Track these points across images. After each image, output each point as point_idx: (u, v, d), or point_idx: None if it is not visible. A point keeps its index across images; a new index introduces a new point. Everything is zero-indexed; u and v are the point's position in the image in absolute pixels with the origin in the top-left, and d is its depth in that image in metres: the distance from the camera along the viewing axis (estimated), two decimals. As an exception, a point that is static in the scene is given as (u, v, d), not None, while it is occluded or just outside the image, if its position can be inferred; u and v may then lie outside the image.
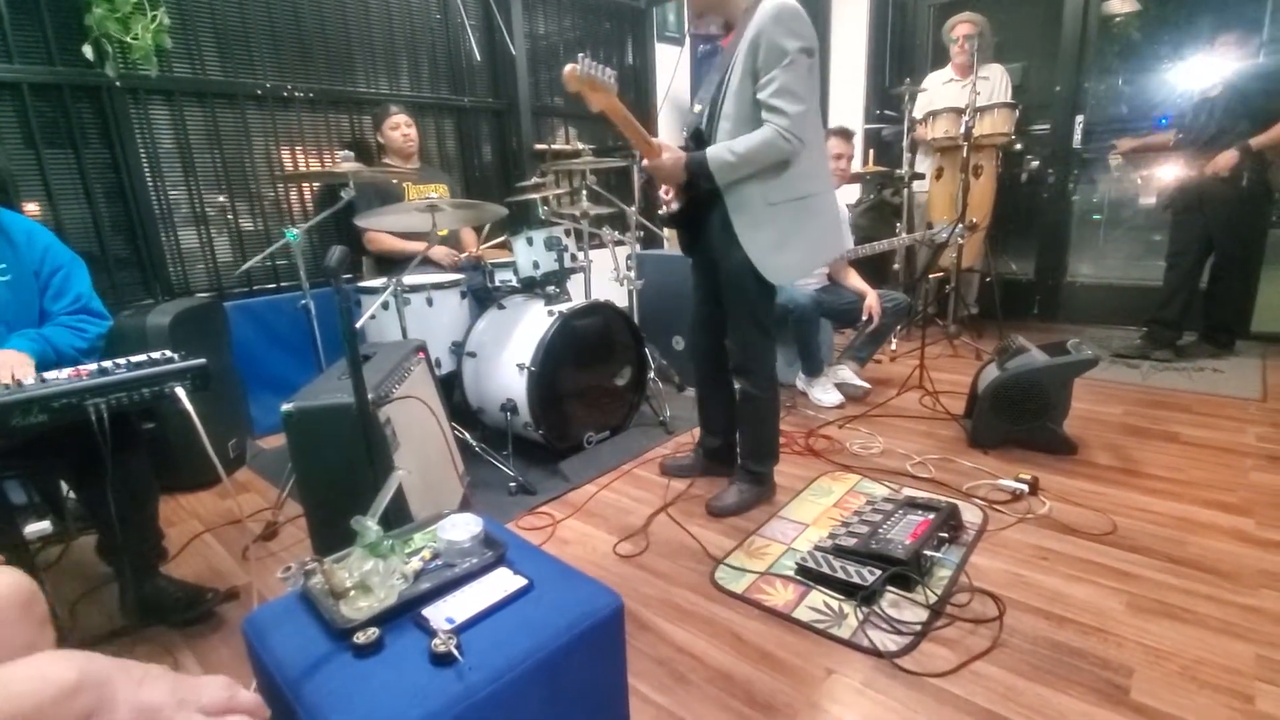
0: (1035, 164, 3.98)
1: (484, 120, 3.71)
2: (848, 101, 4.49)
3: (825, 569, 1.60)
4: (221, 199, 2.80)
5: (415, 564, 1.00)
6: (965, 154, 3.13)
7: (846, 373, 2.94)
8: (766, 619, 1.50)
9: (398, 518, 1.40)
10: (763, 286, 1.80)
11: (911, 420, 2.64)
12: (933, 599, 1.50)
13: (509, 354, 2.29)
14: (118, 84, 2.32)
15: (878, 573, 1.55)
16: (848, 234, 3.10)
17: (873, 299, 2.85)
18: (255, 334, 2.75)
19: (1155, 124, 3.45)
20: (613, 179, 4.25)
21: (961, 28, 3.46)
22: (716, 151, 1.66)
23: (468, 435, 2.31)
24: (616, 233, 2.98)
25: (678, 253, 2.10)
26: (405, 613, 0.92)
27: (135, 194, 2.51)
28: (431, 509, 1.53)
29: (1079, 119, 3.79)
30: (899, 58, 4.36)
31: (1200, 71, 3.22)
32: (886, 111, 4.06)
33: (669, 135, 4.22)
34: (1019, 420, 2.26)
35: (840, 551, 1.65)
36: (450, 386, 2.47)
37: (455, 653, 0.83)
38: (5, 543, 1.43)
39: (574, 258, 2.58)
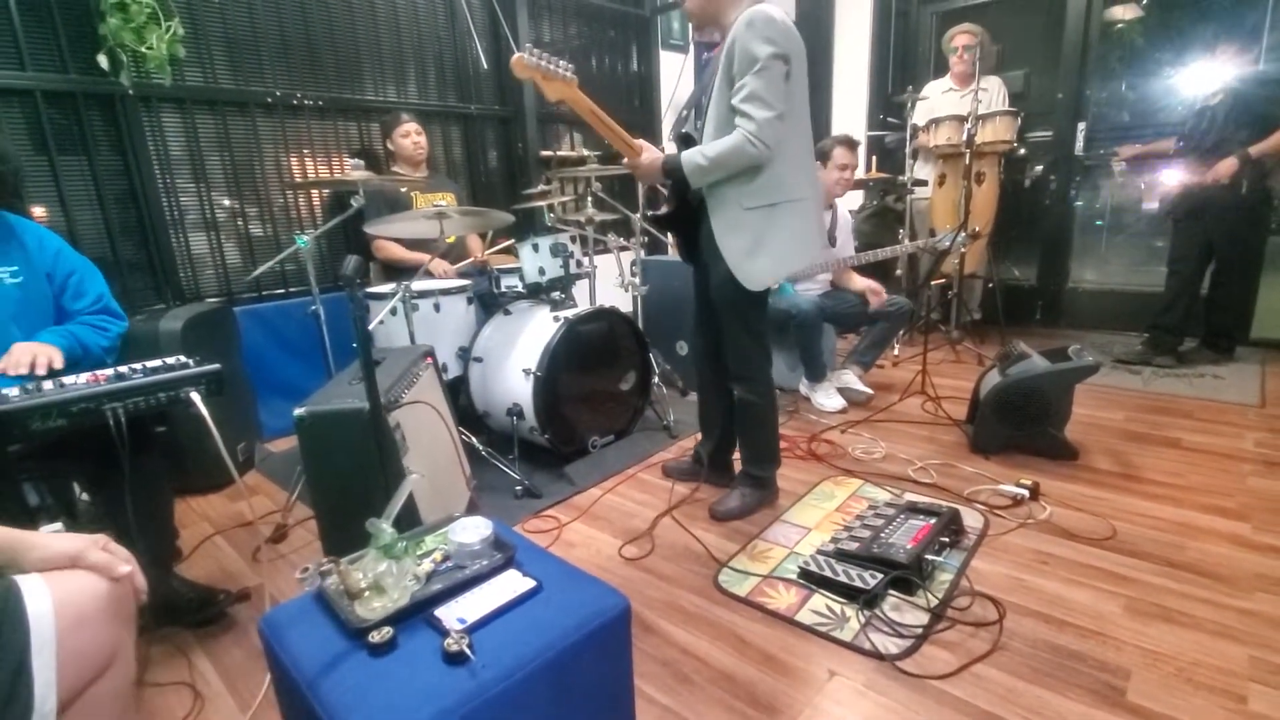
0: (1039, 170, 4.00)
1: (490, 127, 3.75)
2: (851, 108, 4.52)
3: (827, 572, 1.62)
4: (231, 204, 2.84)
5: (427, 565, 1.03)
6: (968, 160, 3.15)
7: (849, 378, 2.97)
8: (769, 621, 1.52)
9: (408, 521, 1.42)
10: (751, 293, 1.80)
11: (914, 425, 2.66)
12: (934, 602, 1.52)
13: (515, 359, 2.32)
14: (130, 92, 2.36)
15: (879, 576, 1.57)
16: (844, 242, 3.13)
17: (873, 284, 2.89)
18: (264, 339, 2.79)
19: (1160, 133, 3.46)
20: (617, 185, 4.29)
21: (961, 38, 3.49)
22: (690, 154, 1.69)
23: (474, 439, 2.33)
24: (621, 239, 3.01)
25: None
26: (418, 613, 0.95)
27: (146, 199, 2.55)
28: (439, 512, 1.56)
29: (1081, 126, 3.82)
30: (901, 65, 4.39)
31: (1201, 79, 3.24)
32: (889, 119, 4.09)
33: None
34: (1020, 426, 2.28)
35: (842, 555, 1.67)
36: (457, 391, 2.50)
37: (467, 652, 0.86)
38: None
39: (579, 264, 2.61)
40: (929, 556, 1.63)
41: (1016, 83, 3.84)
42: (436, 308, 2.38)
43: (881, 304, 2.89)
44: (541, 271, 2.45)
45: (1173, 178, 3.33)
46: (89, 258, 1.66)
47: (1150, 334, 3.32)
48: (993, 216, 3.62)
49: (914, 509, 1.83)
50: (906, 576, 1.56)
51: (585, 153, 4.02)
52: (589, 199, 2.80)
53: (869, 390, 2.94)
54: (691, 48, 4.32)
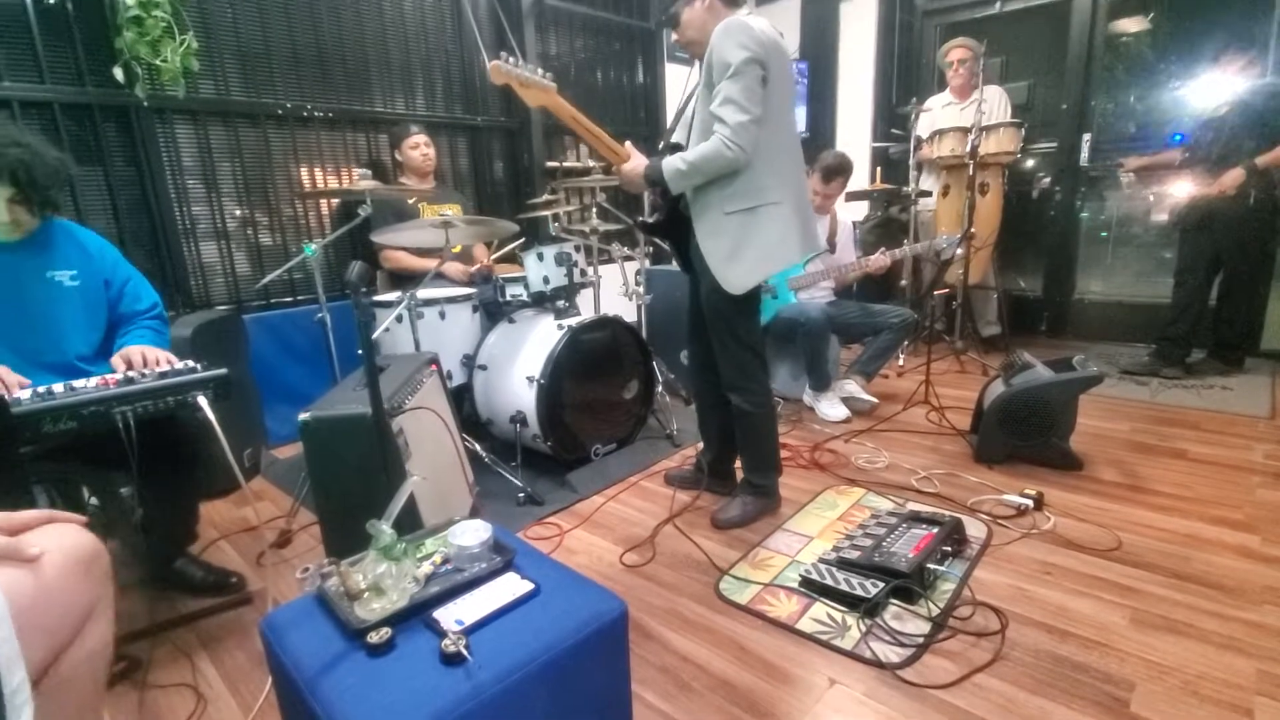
0: (1045, 180, 4.00)
1: (496, 138, 3.79)
2: (856, 120, 4.55)
3: (829, 581, 1.62)
4: (242, 213, 2.88)
5: (427, 568, 1.04)
6: (971, 172, 3.17)
7: (853, 387, 2.96)
8: (770, 629, 1.52)
9: (409, 525, 1.43)
10: (739, 303, 1.81)
11: (917, 435, 2.65)
12: (935, 611, 1.52)
13: (519, 367, 2.34)
14: (145, 104, 2.41)
15: (881, 585, 1.56)
16: (844, 246, 3.15)
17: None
18: (271, 346, 2.82)
19: (1168, 141, 3.45)
20: (622, 196, 4.31)
21: (956, 52, 3.51)
22: (670, 160, 1.72)
23: (478, 446, 2.34)
24: (626, 248, 3.03)
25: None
26: (417, 614, 0.96)
27: (159, 208, 2.59)
28: (442, 517, 1.57)
29: (1086, 137, 3.82)
30: (905, 77, 4.41)
31: (1208, 90, 3.24)
32: (893, 130, 4.11)
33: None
34: (1025, 436, 2.27)
35: (844, 564, 1.67)
36: (461, 398, 2.51)
37: (464, 653, 0.86)
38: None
39: (583, 273, 2.63)
40: (931, 566, 1.63)
41: (1020, 94, 3.85)
42: (442, 315, 2.40)
43: (880, 266, 2.97)
44: (546, 280, 2.47)
45: (1181, 188, 3.32)
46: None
47: (1158, 345, 3.30)
48: (997, 227, 3.62)
49: (916, 518, 1.83)
50: (908, 585, 1.55)
51: (590, 163, 4.05)
52: (593, 209, 2.83)
53: (873, 399, 2.94)
54: (697, 61, 4.36)
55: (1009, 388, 2.27)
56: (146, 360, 1.50)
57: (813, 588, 1.64)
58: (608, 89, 4.35)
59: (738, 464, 2.14)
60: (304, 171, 3.04)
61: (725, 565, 1.78)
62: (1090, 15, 3.70)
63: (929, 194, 3.73)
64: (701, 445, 2.26)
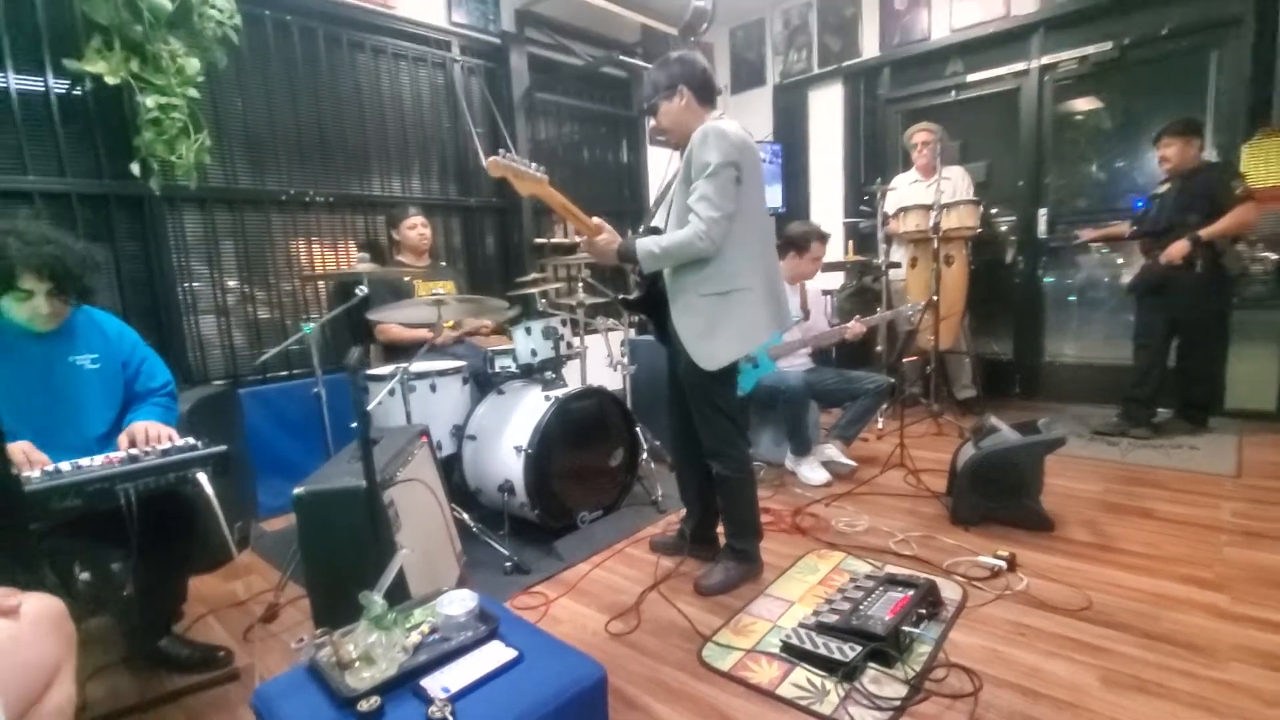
0: (1011, 252, 4.23)
1: (488, 217, 4.00)
2: (829, 196, 4.82)
3: (809, 645, 1.65)
4: (241, 290, 3.01)
5: (415, 637, 1.09)
6: (935, 245, 3.37)
7: (833, 451, 3.04)
8: (751, 696, 1.55)
9: (398, 595, 1.47)
10: (716, 374, 1.92)
11: (895, 498, 2.72)
12: (911, 675, 1.55)
13: (507, 437, 2.41)
14: (157, 193, 2.57)
15: (858, 649, 1.60)
16: (816, 314, 3.33)
17: (851, 325, 3.10)
18: (266, 419, 2.88)
19: (1134, 206, 3.66)
20: (608, 270, 4.50)
21: (919, 135, 3.80)
22: (645, 243, 1.86)
23: (466, 516, 2.39)
24: (611, 320, 3.17)
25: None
26: (405, 683, 1.01)
27: (164, 286, 2.71)
28: (430, 587, 1.61)
29: (1042, 211, 4.07)
30: (872, 157, 4.72)
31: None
32: (863, 206, 4.36)
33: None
34: (996, 497, 2.34)
35: (823, 628, 1.70)
36: (450, 468, 2.57)
37: (451, 719, 0.91)
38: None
39: (570, 345, 2.75)
40: (906, 628, 1.67)
41: (980, 173, 4.12)
42: (433, 388, 2.49)
43: (857, 334, 3.11)
44: (534, 353, 2.58)
45: (1135, 257, 3.53)
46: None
47: (1124, 407, 3.42)
48: (964, 295, 3.81)
49: (893, 581, 1.88)
50: (884, 649, 1.59)
51: (577, 239, 4.26)
52: (580, 284, 2.98)
53: (852, 463, 3.01)
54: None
55: (978, 450, 2.36)
56: (150, 437, 1.57)
57: (793, 653, 1.67)
58: (594, 169, 4.62)
59: (720, 529, 2.19)
60: (303, 250, 3.19)
61: (708, 632, 1.81)
62: (1037, 101, 4.02)
63: (899, 265, 3.93)
64: (684, 512, 2.32)
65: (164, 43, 2.21)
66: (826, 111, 4.77)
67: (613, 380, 3.08)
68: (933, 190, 3.50)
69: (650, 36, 4.26)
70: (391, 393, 2.35)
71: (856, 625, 1.66)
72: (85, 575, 1.74)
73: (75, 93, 2.42)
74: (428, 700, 0.96)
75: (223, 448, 1.53)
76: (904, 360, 3.83)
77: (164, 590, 1.73)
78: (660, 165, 4.59)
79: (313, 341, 2.29)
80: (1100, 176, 4.07)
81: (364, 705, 0.94)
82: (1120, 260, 3.98)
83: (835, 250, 4.55)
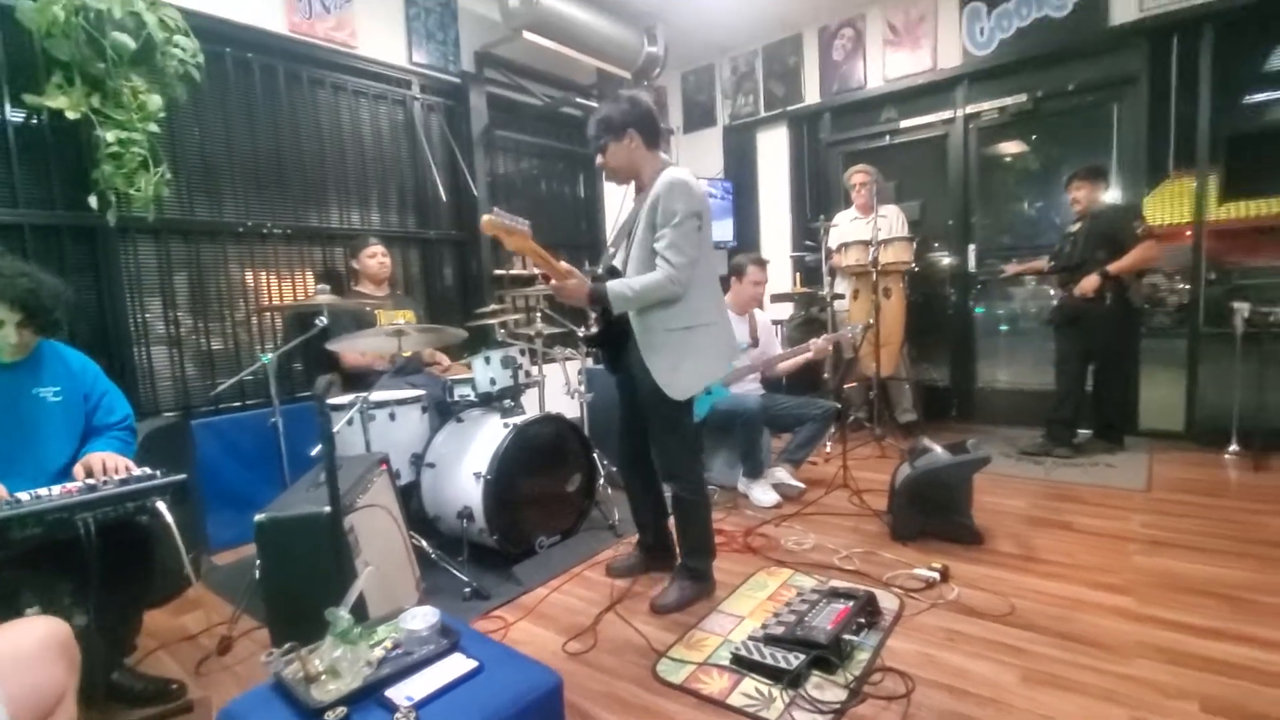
0: (944, 284, 4.52)
1: (447, 249, 4.07)
2: (777, 232, 5.08)
3: (757, 656, 1.75)
4: (194, 321, 2.99)
5: (379, 652, 1.15)
6: (874, 278, 3.61)
7: (783, 474, 3.18)
8: (702, 706, 1.63)
9: (358, 618, 1.51)
10: (680, 403, 2.05)
11: (840, 517, 2.86)
12: (851, 680, 1.66)
13: (467, 464, 2.46)
14: (112, 225, 2.56)
15: (803, 657, 1.70)
16: (766, 341, 3.49)
17: (815, 341, 3.26)
18: (218, 451, 2.84)
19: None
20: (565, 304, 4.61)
21: (857, 176, 4.07)
22: (616, 286, 1.98)
23: (425, 543, 2.41)
24: (569, 350, 3.26)
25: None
26: (371, 694, 1.07)
27: (115, 316, 2.68)
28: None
29: (971, 247, 4.39)
30: (817, 195, 5.00)
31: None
32: (808, 241, 4.61)
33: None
34: (931, 514, 2.50)
35: (770, 640, 1.80)
36: (409, 496, 2.59)
37: (415, 723, 0.97)
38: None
39: (528, 374, 2.83)
40: (847, 637, 1.79)
41: (914, 211, 4.41)
42: (392, 416, 2.53)
43: (822, 350, 3.27)
44: (493, 382, 2.65)
45: (1049, 291, 3.84)
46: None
47: (1048, 428, 3.68)
48: (902, 325, 4.05)
49: (835, 594, 2.00)
50: (825, 656, 1.70)
51: (535, 270, 4.36)
52: (538, 314, 3.07)
53: (801, 485, 3.15)
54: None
55: (913, 470, 2.53)
56: (106, 468, 1.59)
57: (742, 664, 1.76)
58: (551, 202, 4.75)
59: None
60: (260, 281, 3.19)
61: (662, 648, 1.88)
62: (963, 146, 4.36)
63: (842, 296, 4.16)
64: (639, 536, 2.41)
65: (126, 79, 2.24)
66: (773, 151, 5.04)
67: (570, 408, 3.17)
68: (871, 227, 3.75)
69: (605, 79, 4.46)
70: (350, 422, 2.38)
71: (801, 636, 1.76)
72: (34, 609, 1.71)
73: (32, 122, 2.42)
74: (393, 708, 1.01)
75: (182, 476, 1.56)
76: (847, 386, 4.02)
77: (119, 622, 1.71)
78: (616, 200, 4.77)
79: (270, 371, 2.31)
80: (1022, 215, 4.42)
81: (331, 715, 0.99)
82: (1051, 291, 4.29)
83: (784, 282, 4.79)
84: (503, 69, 4.15)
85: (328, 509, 1.42)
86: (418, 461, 2.61)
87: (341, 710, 1.00)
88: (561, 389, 3.21)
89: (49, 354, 1.69)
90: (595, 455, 2.84)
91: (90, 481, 1.50)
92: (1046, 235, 4.15)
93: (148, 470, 1.59)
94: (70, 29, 2.14)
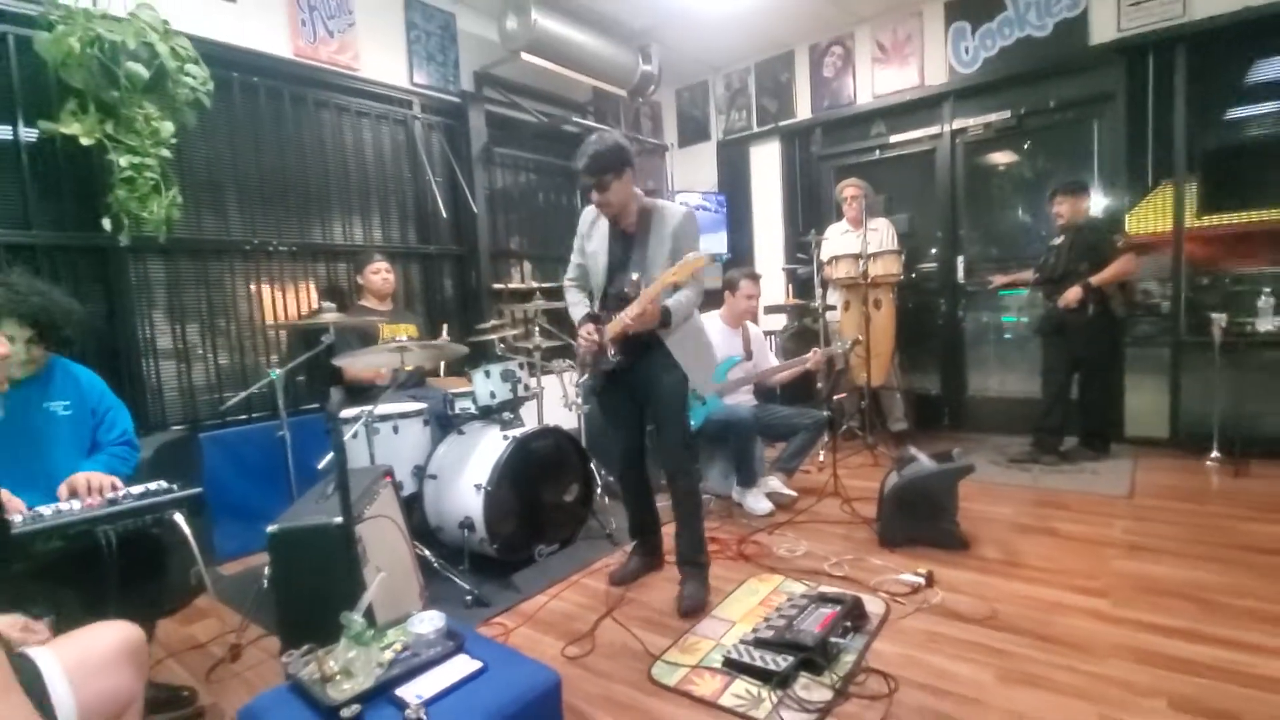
0: (934, 295, 4.62)
1: (447, 263, 4.16)
2: (771, 245, 5.18)
3: (747, 659, 1.82)
4: (203, 336, 3.07)
5: (389, 654, 1.22)
6: (864, 290, 3.71)
7: (776, 483, 3.26)
8: (695, 707, 1.70)
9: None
10: (684, 402, 2.29)
11: (831, 525, 2.94)
12: (837, 680, 1.74)
13: (467, 475, 2.54)
14: (123, 245, 2.65)
15: (791, 659, 1.78)
16: (760, 353, 3.59)
17: (812, 355, 3.35)
18: (225, 463, 2.92)
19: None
20: (564, 314, 4.69)
21: (848, 190, 4.17)
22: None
23: (427, 552, 2.49)
24: (566, 362, 3.35)
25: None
26: (382, 693, 1.14)
27: (126, 332, 2.77)
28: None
29: (960, 259, 4.49)
30: (809, 209, 5.11)
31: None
32: (799, 255, 4.71)
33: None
34: (918, 521, 2.59)
35: (760, 643, 1.88)
36: (411, 507, 2.67)
37: None
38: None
39: (526, 387, 2.91)
40: (834, 639, 1.86)
41: (903, 224, 4.52)
42: (395, 430, 2.61)
43: (818, 362, 3.37)
44: (492, 395, 2.73)
45: (1035, 302, 3.94)
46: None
47: (1035, 436, 3.77)
48: (892, 336, 4.14)
49: (823, 598, 2.07)
50: (812, 658, 1.78)
51: (533, 285, 4.45)
52: (537, 328, 3.16)
53: (793, 493, 3.24)
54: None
55: (900, 478, 2.61)
56: (91, 488, 1.62)
57: (734, 666, 1.84)
58: (548, 214, 4.84)
59: (659, 534, 2.52)
60: (266, 296, 3.28)
61: (658, 652, 1.96)
62: (951, 161, 4.47)
63: (834, 308, 4.26)
64: (634, 543, 2.50)
65: (139, 107, 2.33)
66: (766, 165, 5.15)
67: (568, 420, 3.25)
68: (861, 240, 3.85)
69: (601, 97, 4.57)
70: (355, 435, 2.46)
71: (789, 639, 1.84)
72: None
73: (46, 146, 2.51)
74: (403, 706, 1.09)
75: (198, 490, 1.64)
76: (838, 396, 4.11)
77: None
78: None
79: (278, 385, 2.39)
80: (1009, 227, 4.53)
81: (346, 712, 1.07)
82: (1038, 301, 4.39)
83: (777, 294, 4.88)
84: (501, 88, 4.25)
85: (339, 520, 1.49)
86: (420, 473, 2.69)
87: (356, 708, 1.08)
88: (559, 401, 3.29)
89: (59, 370, 1.77)
90: (593, 466, 2.92)
91: (111, 495, 1.57)
92: (1033, 246, 4.25)
93: (163, 484, 1.65)
94: (85, 59, 2.23)
